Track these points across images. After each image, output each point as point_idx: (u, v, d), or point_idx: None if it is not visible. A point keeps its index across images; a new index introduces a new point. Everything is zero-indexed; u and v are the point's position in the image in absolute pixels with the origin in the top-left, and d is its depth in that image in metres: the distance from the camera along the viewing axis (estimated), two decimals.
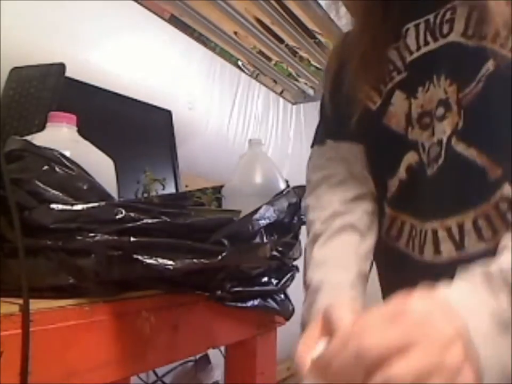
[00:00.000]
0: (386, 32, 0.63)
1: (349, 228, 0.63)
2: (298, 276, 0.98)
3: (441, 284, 0.49)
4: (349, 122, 0.64)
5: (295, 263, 0.98)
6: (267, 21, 1.63)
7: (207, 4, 1.48)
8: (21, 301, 0.47)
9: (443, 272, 0.53)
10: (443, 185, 0.57)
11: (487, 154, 0.53)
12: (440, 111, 0.57)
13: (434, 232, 0.57)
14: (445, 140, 0.56)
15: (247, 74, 1.93)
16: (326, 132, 0.72)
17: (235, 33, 1.68)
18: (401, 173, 0.62)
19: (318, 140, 0.73)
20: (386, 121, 0.63)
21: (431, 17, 0.58)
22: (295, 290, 0.84)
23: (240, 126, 1.79)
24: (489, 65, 0.53)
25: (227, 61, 1.81)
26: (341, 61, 0.68)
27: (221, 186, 1.13)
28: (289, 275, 0.94)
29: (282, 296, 0.92)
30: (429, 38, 0.59)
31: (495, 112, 0.53)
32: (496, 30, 0.52)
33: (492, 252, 0.50)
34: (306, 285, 0.60)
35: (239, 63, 1.88)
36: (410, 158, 0.61)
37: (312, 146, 0.74)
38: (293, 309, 0.94)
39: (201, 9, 1.51)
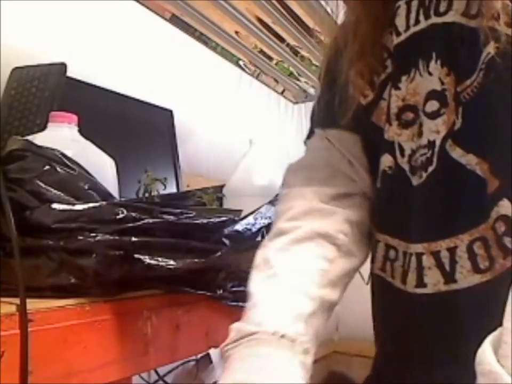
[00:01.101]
0: (385, 16, 0.53)
1: (322, 238, 0.50)
2: None
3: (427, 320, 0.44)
4: (342, 114, 0.55)
5: None
6: (268, 20, 1.62)
7: (208, 4, 1.48)
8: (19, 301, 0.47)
9: (428, 304, 0.46)
10: (432, 199, 0.46)
11: (488, 163, 0.43)
12: (433, 105, 0.46)
13: (419, 258, 0.46)
14: (438, 143, 0.45)
15: (248, 73, 1.93)
16: (315, 123, 0.62)
17: (236, 32, 1.68)
18: (378, 180, 0.52)
19: (308, 134, 0.64)
20: (375, 119, 0.53)
21: None
22: None
23: (241, 126, 1.79)
24: (490, 48, 0.42)
25: (228, 60, 1.81)
26: (337, 52, 0.59)
27: (222, 186, 1.13)
28: None
29: None
30: (421, 17, 0.48)
31: (498, 110, 0.42)
32: (502, 5, 0.41)
33: (485, 290, 0.42)
34: (251, 295, 0.47)
35: (240, 62, 1.87)
36: (385, 161, 0.51)
37: (304, 143, 0.65)
38: None
39: (202, 9, 1.51)
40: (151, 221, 0.60)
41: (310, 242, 0.49)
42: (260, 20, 1.62)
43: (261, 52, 1.82)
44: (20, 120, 0.88)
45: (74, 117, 0.75)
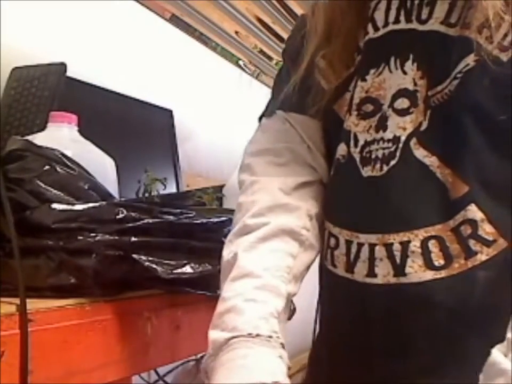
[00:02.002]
0: (365, 12, 0.53)
1: (287, 234, 0.50)
2: None
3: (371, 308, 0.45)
4: (311, 103, 0.55)
5: None
6: (268, 20, 1.62)
7: (208, 4, 1.48)
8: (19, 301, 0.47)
9: (378, 294, 0.47)
10: (391, 192, 0.47)
11: (451, 168, 0.44)
12: (403, 103, 0.47)
13: (372, 248, 0.47)
14: (403, 139, 0.47)
15: (248, 73, 1.93)
16: (276, 104, 0.60)
17: (236, 32, 1.68)
18: (332, 168, 0.54)
19: (267, 113, 0.61)
20: (336, 108, 0.54)
21: None
22: None
23: (241, 125, 1.79)
24: (469, 60, 0.44)
25: (228, 60, 1.81)
26: (303, 36, 0.58)
27: (222, 186, 1.13)
28: None
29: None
30: (402, 17, 0.49)
31: (466, 119, 0.44)
32: (484, 19, 0.43)
33: (439, 286, 0.43)
34: (222, 297, 0.47)
35: (240, 62, 1.87)
36: (339, 150, 0.52)
37: (259, 120, 0.63)
38: (294, 309, 0.93)
39: (202, 9, 1.51)
40: (150, 221, 0.60)
41: (276, 239, 0.50)
42: (259, 20, 1.62)
43: (261, 51, 1.82)
44: (19, 120, 0.88)
45: (74, 117, 0.75)
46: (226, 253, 0.50)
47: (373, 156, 0.48)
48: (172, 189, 1.27)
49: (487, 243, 0.43)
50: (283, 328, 0.46)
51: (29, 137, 0.66)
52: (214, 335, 0.44)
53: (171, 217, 0.63)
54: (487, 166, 0.44)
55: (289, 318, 0.95)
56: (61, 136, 0.73)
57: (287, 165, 0.55)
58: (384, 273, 0.46)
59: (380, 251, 0.46)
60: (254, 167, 0.56)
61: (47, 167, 0.59)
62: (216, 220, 0.70)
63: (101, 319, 0.55)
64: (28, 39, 1.08)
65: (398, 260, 0.45)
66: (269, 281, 0.46)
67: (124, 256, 0.57)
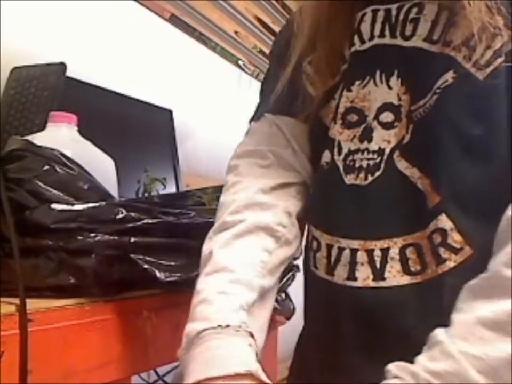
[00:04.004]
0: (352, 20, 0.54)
1: (263, 230, 0.52)
2: (299, 276, 0.98)
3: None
4: (301, 108, 0.57)
5: (295, 262, 0.98)
6: (268, 20, 1.63)
7: (208, 4, 1.48)
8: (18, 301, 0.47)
9: (357, 297, 0.49)
10: (374, 201, 0.49)
11: (429, 179, 0.47)
12: (388, 116, 0.49)
13: (353, 253, 0.49)
14: (387, 151, 0.49)
15: (247, 73, 1.93)
16: (266, 107, 0.61)
17: (236, 32, 1.68)
18: (317, 173, 0.55)
19: (256, 116, 0.63)
20: (322, 114, 0.56)
21: (393, 8, 0.51)
22: (296, 290, 0.84)
23: (241, 125, 1.79)
24: (448, 76, 0.46)
25: (228, 60, 1.81)
26: (288, 39, 0.59)
27: (222, 186, 1.13)
28: (289, 275, 0.93)
29: (283, 295, 0.92)
30: (386, 32, 0.51)
31: (443, 132, 0.46)
32: (464, 38, 0.45)
33: (414, 291, 0.46)
34: (196, 290, 0.49)
35: (240, 62, 1.88)
36: (324, 157, 0.54)
37: (249, 123, 0.64)
38: (294, 309, 0.94)
39: (201, 9, 1.51)
40: (150, 221, 0.60)
41: (251, 235, 0.51)
42: (259, 20, 1.62)
43: (260, 51, 1.82)
44: (19, 120, 0.88)
45: (74, 117, 0.75)
46: (205, 249, 0.52)
47: (357, 165, 0.50)
48: (171, 189, 1.27)
49: (455, 251, 0.45)
50: (258, 320, 0.48)
51: (29, 137, 0.66)
52: (187, 328, 0.45)
53: (171, 217, 0.63)
54: (459, 177, 0.46)
55: (289, 318, 0.96)
56: (61, 136, 0.73)
57: (270, 167, 0.57)
58: (364, 277, 0.48)
59: (361, 256, 0.49)
60: (238, 168, 0.58)
61: (46, 167, 0.59)
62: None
63: (100, 319, 0.55)
64: (27, 39, 1.08)
65: (378, 265, 0.48)
66: (241, 275, 0.48)
67: (124, 256, 0.57)
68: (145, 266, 0.58)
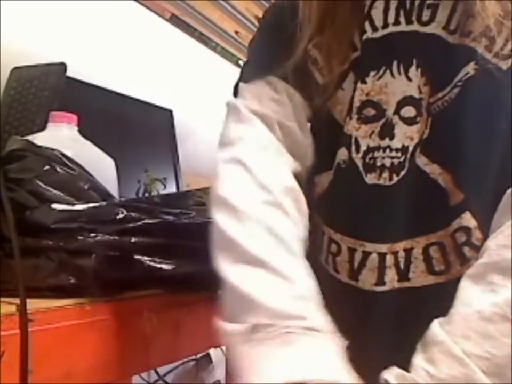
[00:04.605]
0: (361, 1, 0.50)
1: (274, 206, 0.44)
2: None
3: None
4: (310, 93, 0.51)
5: None
6: None
7: (208, 3, 1.48)
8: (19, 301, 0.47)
9: (383, 299, 0.47)
10: (400, 202, 0.47)
11: (452, 175, 0.45)
12: (410, 111, 0.46)
13: (382, 257, 0.47)
14: (411, 149, 0.46)
15: None
16: (260, 70, 0.54)
17: (236, 32, 1.68)
18: (331, 173, 0.52)
19: (246, 78, 0.54)
20: (330, 104, 0.52)
21: None
22: None
23: None
24: (469, 68, 0.44)
25: (228, 60, 1.81)
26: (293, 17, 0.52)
27: None
28: None
29: None
30: (402, 18, 0.47)
31: (466, 127, 0.44)
32: (483, 28, 0.43)
33: (440, 291, 0.44)
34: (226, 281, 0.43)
35: (240, 62, 1.87)
36: (340, 155, 0.50)
37: (235, 87, 0.56)
38: None
39: (202, 9, 1.51)
40: (151, 221, 0.60)
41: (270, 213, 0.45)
42: (259, 20, 1.62)
43: None
44: (19, 120, 0.88)
45: (74, 117, 0.75)
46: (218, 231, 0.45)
47: (378, 164, 0.47)
48: (172, 188, 1.27)
49: (478, 249, 0.43)
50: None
51: (29, 137, 0.66)
52: (251, 318, 0.38)
53: (171, 217, 0.63)
54: (482, 174, 0.44)
55: None
56: (61, 136, 0.73)
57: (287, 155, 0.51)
58: (390, 280, 0.47)
59: (389, 259, 0.47)
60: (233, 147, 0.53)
61: (47, 167, 0.59)
62: None
63: (101, 319, 0.55)
64: (27, 39, 1.08)
65: (402, 266, 0.46)
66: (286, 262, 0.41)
67: (124, 256, 0.57)
68: (146, 266, 0.58)
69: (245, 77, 0.55)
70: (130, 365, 0.59)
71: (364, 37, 0.49)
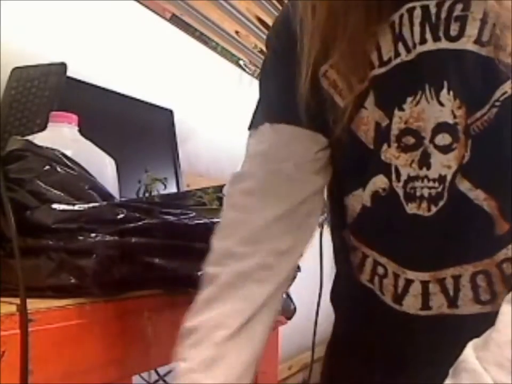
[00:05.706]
0: (379, 8, 0.46)
1: (243, 278, 0.50)
2: (300, 276, 0.98)
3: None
4: (300, 105, 0.49)
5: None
6: (268, 20, 1.62)
7: (208, 3, 1.48)
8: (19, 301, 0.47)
9: (430, 322, 0.48)
10: (442, 232, 0.46)
11: (497, 201, 0.43)
12: (445, 139, 0.44)
13: (425, 285, 0.47)
14: (449, 178, 0.44)
15: (248, 73, 1.93)
16: (263, 116, 0.54)
17: (236, 32, 1.68)
18: (366, 197, 0.50)
19: (253, 125, 0.56)
20: (354, 127, 0.49)
21: (431, 4, 0.43)
22: (296, 290, 0.84)
23: (242, 125, 1.78)
24: (507, 87, 0.41)
25: (228, 60, 1.81)
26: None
27: (223, 186, 1.12)
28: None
29: (284, 295, 0.92)
30: (428, 35, 0.44)
31: (509, 149, 0.42)
32: None
33: (484, 321, 0.41)
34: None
35: (241, 62, 1.87)
36: (378, 182, 0.49)
37: (249, 129, 0.58)
38: (295, 309, 0.94)
39: (202, 9, 1.51)
40: (151, 221, 0.60)
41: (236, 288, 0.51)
42: (260, 20, 1.62)
43: (261, 51, 1.82)
44: (20, 120, 0.87)
45: (75, 117, 0.75)
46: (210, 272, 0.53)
47: (418, 194, 0.46)
48: (172, 188, 1.27)
49: None
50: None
51: (29, 137, 0.66)
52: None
53: (171, 218, 0.63)
54: None
55: (289, 318, 0.96)
56: (61, 136, 0.73)
57: (264, 189, 0.54)
58: (438, 305, 0.47)
59: (434, 287, 0.47)
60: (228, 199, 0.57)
61: (47, 167, 0.59)
62: (216, 219, 0.70)
63: (101, 319, 0.55)
64: (27, 39, 1.08)
65: (451, 293, 0.46)
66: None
67: (124, 256, 0.57)
68: (146, 266, 0.59)
69: (253, 120, 0.57)
70: (130, 365, 0.59)
71: (398, 60, 0.46)
